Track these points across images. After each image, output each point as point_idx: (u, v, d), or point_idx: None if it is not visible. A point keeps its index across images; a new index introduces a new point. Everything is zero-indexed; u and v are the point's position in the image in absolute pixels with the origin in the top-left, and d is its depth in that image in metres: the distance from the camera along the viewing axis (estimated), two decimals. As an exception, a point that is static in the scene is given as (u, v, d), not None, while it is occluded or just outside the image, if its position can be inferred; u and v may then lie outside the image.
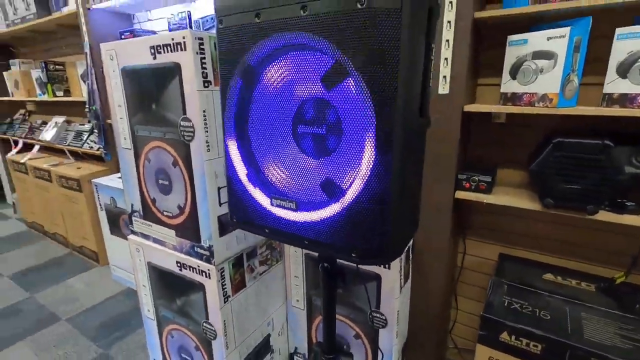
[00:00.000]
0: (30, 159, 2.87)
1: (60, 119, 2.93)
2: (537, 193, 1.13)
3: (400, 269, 1.24)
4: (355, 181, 0.57)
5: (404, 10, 0.49)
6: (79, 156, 2.81)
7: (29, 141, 3.06)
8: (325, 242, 0.61)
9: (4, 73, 3.23)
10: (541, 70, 1.02)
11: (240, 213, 0.73)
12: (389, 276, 1.22)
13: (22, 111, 3.50)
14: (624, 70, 0.95)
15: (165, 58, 1.03)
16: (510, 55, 1.09)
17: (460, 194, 1.21)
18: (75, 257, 2.72)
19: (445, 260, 1.30)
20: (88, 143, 2.59)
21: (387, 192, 0.55)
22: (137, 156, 1.24)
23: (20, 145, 3.17)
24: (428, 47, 0.59)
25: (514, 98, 1.10)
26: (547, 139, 1.06)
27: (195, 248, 1.18)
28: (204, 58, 0.99)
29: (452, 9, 1.06)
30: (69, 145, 2.71)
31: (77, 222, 2.57)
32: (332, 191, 0.60)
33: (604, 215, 1.01)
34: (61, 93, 2.78)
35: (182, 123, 1.06)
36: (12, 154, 3.12)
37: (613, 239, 1.21)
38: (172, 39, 0.99)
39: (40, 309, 2.09)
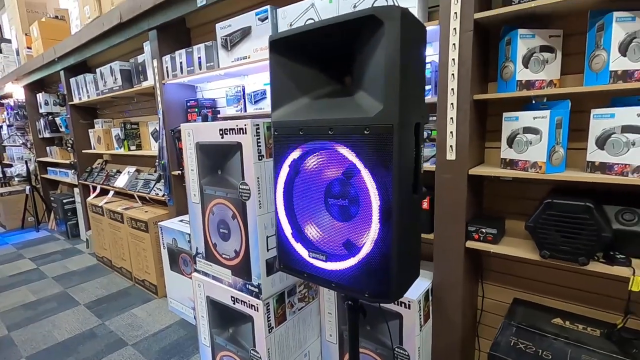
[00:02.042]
0: (106, 202, 3.39)
1: (132, 169, 3.45)
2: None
3: (419, 309, 1.42)
4: (366, 242, 0.82)
5: (394, 132, 0.76)
6: (146, 200, 3.28)
7: (105, 187, 3.61)
8: (346, 285, 0.86)
9: (89, 130, 3.89)
10: (531, 143, 1.23)
11: (285, 261, 0.99)
12: (409, 315, 1.40)
13: (99, 161, 4.13)
14: (601, 143, 1.14)
15: (230, 138, 1.37)
16: (506, 128, 1.32)
17: (470, 244, 1.40)
18: (137, 289, 3.10)
19: (459, 301, 1.46)
20: (154, 190, 3.05)
21: (390, 251, 0.79)
22: (203, 209, 1.57)
23: (98, 190, 3.74)
24: (417, 147, 0.85)
25: (512, 163, 1.31)
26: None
27: (247, 285, 1.45)
28: (259, 139, 1.32)
29: (454, 94, 1.32)
30: (138, 191, 3.19)
31: (142, 258, 2.97)
32: (351, 248, 0.85)
33: (596, 266, 1.15)
34: (134, 147, 3.32)
35: (241, 186, 1.38)
36: (91, 198, 3.69)
37: (616, 286, 1.33)
38: (237, 125, 1.33)
39: (110, 334, 2.43)
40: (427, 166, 1.46)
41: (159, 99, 2.63)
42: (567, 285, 1.45)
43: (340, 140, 0.82)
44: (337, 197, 0.91)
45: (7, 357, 2.22)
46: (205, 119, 2.50)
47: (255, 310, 1.44)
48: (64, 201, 4.46)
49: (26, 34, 4.28)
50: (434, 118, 1.41)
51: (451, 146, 1.36)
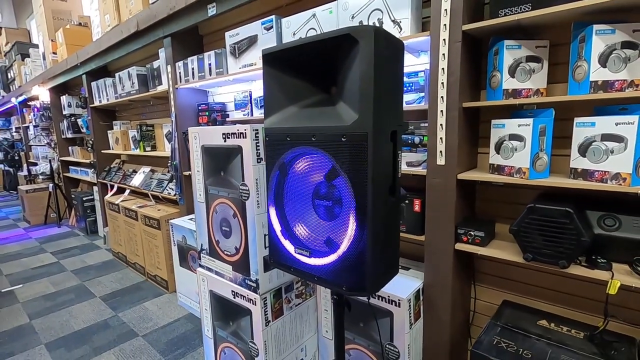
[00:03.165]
0: (122, 200, 3.56)
1: (147, 169, 3.62)
2: (525, 247, 1.34)
3: (410, 308, 1.48)
4: (344, 240, 0.89)
5: (369, 140, 0.83)
6: (159, 199, 3.43)
7: (122, 186, 3.79)
8: (326, 279, 0.93)
9: (108, 131, 4.09)
10: (516, 149, 1.28)
11: (275, 256, 1.08)
12: (399, 313, 1.46)
13: (117, 161, 4.33)
14: (583, 151, 1.18)
15: (232, 142, 1.47)
16: (494, 135, 1.37)
17: (459, 246, 1.45)
18: (149, 284, 3.24)
19: (449, 302, 1.51)
20: (167, 189, 3.19)
21: (365, 249, 0.87)
22: (208, 208, 1.67)
23: (115, 189, 3.92)
24: (395, 153, 0.92)
25: (499, 169, 1.36)
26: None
27: (246, 280, 1.54)
28: (258, 143, 1.41)
29: (443, 102, 1.38)
30: (152, 190, 3.34)
31: (154, 254, 3.12)
32: (331, 245, 0.93)
33: (577, 270, 1.19)
34: (149, 148, 3.48)
35: (241, 187, 1.47)
36: (108, 196, 3.87)
37: (599, 290, 1.35)
38: (237, 130, 1.43)
39: (122, 325, 2.57)
40: (419, 171, 1.52)
41: (172, 102, 2.77)
42: (553, 289, 1.48)
43: (322, 146, 0.89)
44: (323, 198, 0.99)
45: (28, 343, 2.38)
46: (214, 122, 2.61)
47: (253, 304, 1.53)
48: (84, 199, 4.68)
49: (52, 40, 4.53)
50: (426, 124, 1.48)
51: (441, 151, 1.42)
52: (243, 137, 1.41)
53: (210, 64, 2.40)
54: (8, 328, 2.59)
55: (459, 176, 1.41)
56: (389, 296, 1.47)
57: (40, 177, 5.92)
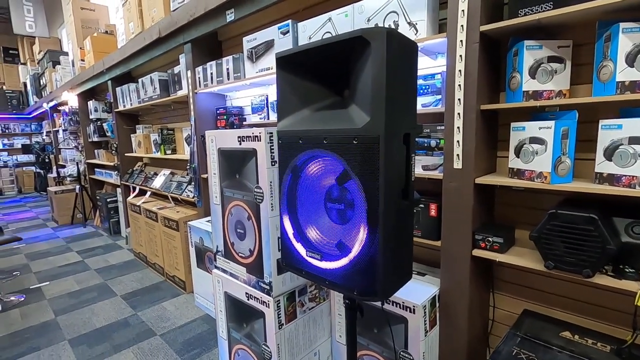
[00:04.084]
0: (144, 202, 3.65)
1: (167, 171, 3.71)
2: (546, 255, 1.28)
3: (425, 315, 1.44)
4: (355, 244, 0.88)
5: (381, 142, 0.82)
6: (178, 201, 3.51)
7: (143, 188, 3.90)
8: (338, 283, 0.92)
9: (132, 135, 4.22)
10: (536, 153, 1.23)
11: (287, 259, 1.07)
12: (414, 319, 1.43)
13: (140, 163, 4.46)
14: (609, 155, 1.12)
15: (247, 145, 1.48)
16: (514, 138, 1.33)
17: (477, 252, 1.41)
18: (168, 284, 3.31)
19: (466, 309, 1.47)
20: (186, 192, 3.26)
21: (376, 253, 0.85)
22: (223, 210, 1.69)
23: (137, 191, 4.04)
24: (408, 156, 0.90)
25: (519, 173, 1.31)
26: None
27: (259, 282, 1.55)
28: (272, 146, 1.42)
29: (460, 104, 1.35)
30: (171, 192, 3.42)
31: (172, 255, 3.18)
32: (343, 249, 0.92)
33: (602, 279, 1.13)
34: (170, 151, 3.57)
35: (255, 189, 1.48)
36: (130, 198, 3.99)
37: (627, 301, 1.28)
38: (252, 133, 1.44)
39: (141, 324, 2.63)
40: (435, 174, 1.49)
41: (192, 106, 2.83)
42: (577, 298, 1.41)
43: (333, 149, 0.89)
44: (335, 202, 0.98)
45: (52, 339, 2.47)
46: (232, 126, 2.65)
47: (266, 306, 1.53)
48: (108, 200, 4.84)
49: (81, 48, 4.74)
50: (442, 127, 1.45)
51: (458, 155, 1.39)
52: (258, 140, 1.43)
53: (228, 69, 2.44)
54: (35, 323, 2.70)
55: (477, 180, 1.37)
56: (403, 302, 1.44)
57: (68, 179, 6.17)
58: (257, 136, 1.42)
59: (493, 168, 1.55)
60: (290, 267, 1.07)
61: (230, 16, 2.25)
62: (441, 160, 1.49)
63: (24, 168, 9.32)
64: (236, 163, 1.57)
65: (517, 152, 1.31)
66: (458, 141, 1.38)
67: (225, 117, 2.73)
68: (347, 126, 0.86)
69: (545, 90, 1.26)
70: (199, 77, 2.72)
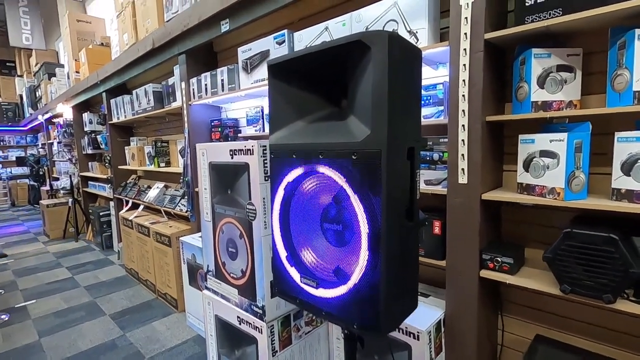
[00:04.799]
0: (136, 216, 3.54)
1: (161, 185, 3.61)
2: (560, 277, 1.19)
3: (430, 341, 1.34)
4: (355, 271, 0.79)
5: (383, 157, 0.73)
6: (171, 215, 3.40)
7: (136, 201, 3.79)
8: (335, 314, 0.82)
9: (125, 147, 4.14)
10: (548, 167, 1.15)
11: (279, 285, 0.98)
12: (418, 346, 1.33)
13: (133, 176, 4.36)
14: (627, 169, 1.04)
15: (239, 159, 1.40)
16: (522, 151, 1.25)
17: (485, 273, 1.31)
18: (159, 302, 3.17)
19: (474, 334, 1.36)
20: (179, 205, 3.15)
21: (378, 281, 0.76)
22: (214, 228, 1.60)
23: (130, 204, 3.93)
24: (412, 172, 0.82)
25: (528, 188, 1.23)
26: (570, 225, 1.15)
27: (252, 306, 1.45)
28: (266, 160, 1.33)
29: (464, 115, 1.28)
30: (165, 206, 3.31)
31: (164, 272, 3.06)
32: (341, 276, 0.83)
33: (624, 305, 1.04)
34: (164, 164, 3.48)
35: (248, 206, 1.39)
36: (123, 212, 3.88)
37: (656, 329, 1.18)
38: (245, 146, 1.36)
39: (129, 346, 2.49)
40: (439, 189, 1.41)
41: (185, 118, 2.76)
42: (596, 324, 1.31)
43: (330, 165, 0.80)
44: (332, 222, 0.89)
45: (34, 362, 2.34)
46: (226, 138, 2.58)
47: (259, 332, 1.42)
48: (101, 214, 4.72)
49: (76, 60, 4.69)
50: (446, 140, 1.37)
51: (463, 169, 1.30)
52: (250, 154, 1.34)
53: (222, 80, 2.38)
54: (18, 346, 2.56)
55: (484, 196, 1.29)
56: (406, 327, 1.34)
57: (61, 191, 6.05)
58: (249, 149, 1.34)
59: (499, 182, 1.46)
60: (282, 294, 0.97)
61: (225, 26, 2.20)
62: (445, 174, 1.41)
63: (18, 181, 9.20)
64: (228, 178, 1.48)
65: (527, 166, 1.23)
66: (463, 154, 1.30)
67: (219, 129, 2.65)
68: (345, 139, 0.77)
69: (555, 101, 1.19)
70: (194, 89, 2.66)
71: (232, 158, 1.44)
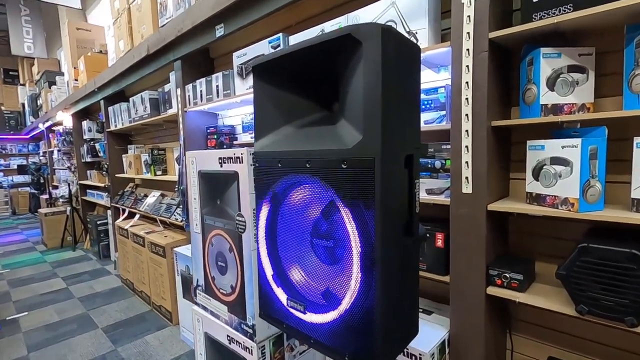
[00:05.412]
0: (132, 225, 3.46)
1: (157, 193, 3.53)
2: (575, 295, 1.09)
3: (433, 364, 1.23)
4: (347, 294, 0.70)
5: (377, 166, 0.65)
6: (167, 225, 3.32)
7: (132, 210, 3.71)
8: (325, 343, 0.73)
9: (123, 155, 4.08)
10: (560, 175, 1.06)
11: (265, 308, 0.88)
12: (420, 370, 1.22)
13: (131, 184, 4.29)
14: (648, 178, 0.95)
15: (228, 167, 1.32)
16: (531, 158, 1.16)
17: (492, 290, 1.21)
18: (154, 314, 3.07)
19: (481, 355, 1.26)
20: (175, 215, 3.07)
21: (372, 307, 0.67)
22: (204, 240, 1.51)
23: (126, 213, 3.85)
24: (411, 183, 0.73)
25: (538, 198, 1.14)
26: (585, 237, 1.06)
27: (242, 325, 1.35)
28: (256, 168, 1.25)
29: (468, 120, 1.19)
30: (160, 215, 3.23)
31: (159, 284, 2.96)
32: (331, 299, 0.73)
33: (649, 329, 0.94)
34: (160, 172, 3.41)
35: (237, 217, 1.31)
36: (119, 221, 3.80)
37: (683, 353, 1.07)
38: (234, 154, 1.28)
39: (120, 362, 2.39)
40: (441, 199, 1.32)
41: (181, 125, 2.69)
42: (614, 346, 1.20)
43: (318, 175, 0.72)
44: (323, 237, 0.80)
45: (21, 379, 2.24)
46: (221, 145, 2.50)
47: (249, 352, 1.33)
48: (98, 222, 4.65)
49: (75, 68, 4.67)
50: (448, 146, 1.28)
51: (467, 178, 1.21)
52: (239, 162, 1.26)
53: (217, 86, 2.31)
54: (4, 361, 2.46)
55: (490, 207, 1.19)
56: (408, 349, 1.24)
57: (60, 200, 6.00)
58: (238, 157, 1.26)
59: (506, 192, 1.37)
60: (268, 318, 0.88)
61: (219, 31, 2.14)
62: (447, 183, 1.32)
63: (19, 189, 9.18)
64: (217, 187, 1.40)
65: (536, 175, 1.14)
66: (467, 162, 1.21)
67: (215, 136, 2.58)
68: (334, 146, 0.69)
69: (567, 104, 1.10)
70: (189, 95, 2.59)
71: (221, 166, 1.35)
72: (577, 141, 1.00)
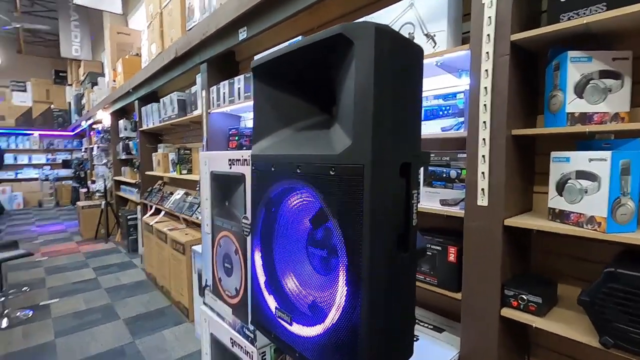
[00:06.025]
0: (156, 222, 3.58)
1: (182, 192, 3.63)
2: (601, 324, 0.98)
3: (439, 386, 1.16)
4: (332, 309, 0.66)
5: (365, 174, 0.61)
6: (189, 223, 3.40)
7: (158, 207, 3.84)
8: (308, 358, 0.69)
9: (153, 154, 4.24)
10: (586, 191, 0.96)
11: (257, 314, 0.86)
12: (425, 392, 1.15)
13: (159, 182, 4.45)
14: (690, 198, 0.84)
15: (236, 169, 1.31)
16: (555, 171, 1.06)
17: (507, 312, 1.12)
18: (173, 310, 3.15)
19: (495, 384, 1.16)
20: (196, 213, 3.14)
21: (359, 325, 0.62)
22: (213, 241, 1.51)
23: (152, 209, 4.00)
24: (408, 193, 0.68)
25: (562, 215, 1.04)
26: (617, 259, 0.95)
27: (244, 329, 1.33)
28: (262, 171, 1.24)
29: (486, 128, 1.11)
30: (183, 213, 3.32)
31: (179, 280, 3.04)
32: (316, 312, 0.70)
33: (686, 370, 0.82)
34: (185, 171, 3.50)
35: (243, 220, 1.30)
36: (146, 217, 3.94)
37: None
38: (242, 156, 1.27)
39: (136, 354, 2.46)
40: (456, 211, 1.24)
41: (204, 127, 2.75)
42: (647, 385, 1.07)
43: (308, 181, 0.69)
44: (318, 246, 0.77)
45: (45, 363, 2.36)
46: (240, 147, 2.53)
47: (250, 358, 1.31)
48: (128, 217, 4.85)
49: (114, 69, 4.93)
50: (464, 155, 1.21)
51: (483, 189, 1.13)
52: (247, 164, 1.25)
53: (239, 88, 2.34)
54: (32, 345, 2.61)
55: (506, 222, 1.11)
56: (412, 368, 1.17)
57: (97, 194, 6.34)
58: (246, 159, 1.25)
59: (529, 206, 1.27)
60: (258, 325, 0.85)
61: (242, 34, 2.16)
62: (463, 194, 1.24)
63: (63, 182, 9.81)
64: (226, 189, 1.40)
65: (560, 189, 1.04)
66: (483, 173, 1.13)
67: (237, 138, 2.61)
68: (323, 152, 0.65)
69: (597, 113, 1.00)
70: (213, 97, 2.65)
71: (230, 168, 1.35)
72: (607, 154, 0.91)
